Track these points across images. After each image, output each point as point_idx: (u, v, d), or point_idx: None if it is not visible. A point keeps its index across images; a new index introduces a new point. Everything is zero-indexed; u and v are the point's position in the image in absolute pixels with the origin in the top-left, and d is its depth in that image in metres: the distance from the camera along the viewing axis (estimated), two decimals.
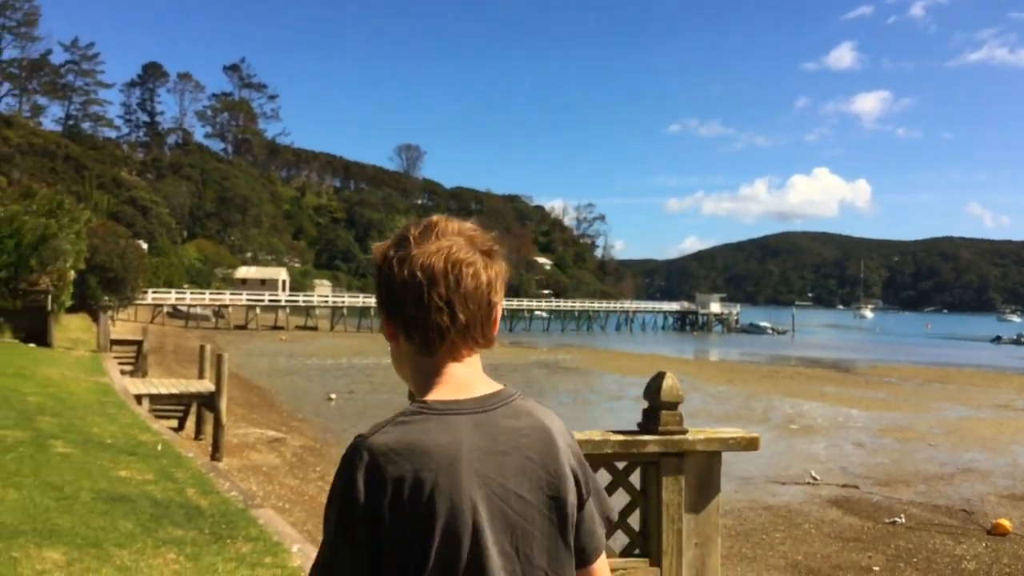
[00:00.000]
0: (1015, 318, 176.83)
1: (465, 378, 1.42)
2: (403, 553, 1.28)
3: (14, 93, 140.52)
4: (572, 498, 1.38)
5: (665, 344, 73.56)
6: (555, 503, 1.37)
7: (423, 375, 1.44)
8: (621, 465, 4.00)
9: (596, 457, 3.41)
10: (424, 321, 1.39)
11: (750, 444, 4.39)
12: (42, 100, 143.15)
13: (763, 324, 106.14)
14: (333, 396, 28.26)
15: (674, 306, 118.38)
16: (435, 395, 1.39)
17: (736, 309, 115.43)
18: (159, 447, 10.46)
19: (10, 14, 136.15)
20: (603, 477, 3.14)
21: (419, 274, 1.39)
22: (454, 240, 1.43)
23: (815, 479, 17.46)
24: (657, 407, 3.73)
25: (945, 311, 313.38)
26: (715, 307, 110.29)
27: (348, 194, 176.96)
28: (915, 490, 17.03)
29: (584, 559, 1.43)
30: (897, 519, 14.16)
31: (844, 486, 16.98)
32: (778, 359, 57.55)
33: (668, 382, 3.78)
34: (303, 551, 6.67)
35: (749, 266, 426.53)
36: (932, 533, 13.43)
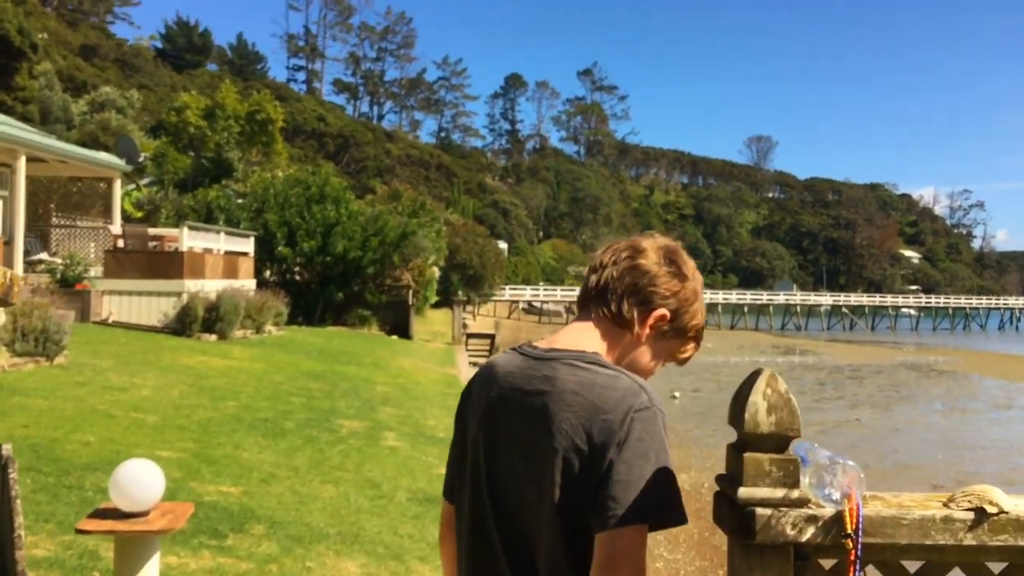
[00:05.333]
0: None
1: (564, 334, 1.63)
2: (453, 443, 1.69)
3: (395, 110, 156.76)
4: (550, 459, 1.43)
5: None
6: (529, 453, 1.47)
7: None
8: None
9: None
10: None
11: None
12: (419, 115, 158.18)
13: None
14: (677, 394, 27.36)
15: None
16: (535, 341, 1.64)
17: None
18: None
19: (391, 38, 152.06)
20: None
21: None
22: (627, 240, 1.75)
23: None
24: None
25: None
26: None
27: (696, 190, 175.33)
28: None
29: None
30: None
31: None
32: None
33: None
34: None
35: None
36: None
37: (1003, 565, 1.55)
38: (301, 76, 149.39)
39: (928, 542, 1.50)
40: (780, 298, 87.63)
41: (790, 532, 1.49)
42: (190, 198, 30.59)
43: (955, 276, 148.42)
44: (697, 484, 14.63)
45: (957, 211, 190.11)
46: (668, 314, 1.59)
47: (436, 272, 38.79)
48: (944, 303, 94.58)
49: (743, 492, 1.51)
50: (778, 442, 1.53)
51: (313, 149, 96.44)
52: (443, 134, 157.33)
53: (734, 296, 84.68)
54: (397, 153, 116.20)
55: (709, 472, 15.62)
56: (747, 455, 1.53)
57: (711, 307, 79.16)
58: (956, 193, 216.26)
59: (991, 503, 1.52)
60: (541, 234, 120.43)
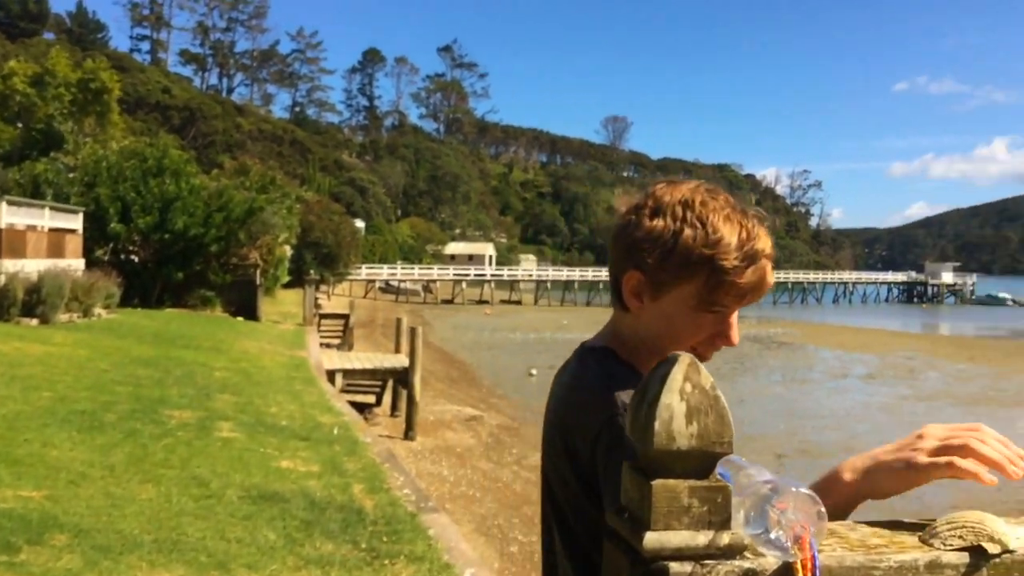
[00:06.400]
0: None
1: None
2: None
3: (246, 83, 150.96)
4: (554, 458, 1.41)
5: (890, 317, 68.00)
6: (550, 449, 1.44)
7: None
8: None
9: None
10: None
11: None
12: (271, 88, 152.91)
13: (1003, 295, 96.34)
14: (534, 372, 27.28)
15: (899, 276, 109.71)
16: None
17: (972, 279, 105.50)
18: (336, 431, 9.54)
19: (242, 7, 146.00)
20: None
21: None
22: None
23: None
24: None
25: None
26: (947, 277, 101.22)
27: (554, 168, 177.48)
28: None
29: None
30: None
31: None
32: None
33: None
34: None
35: (984, 233, 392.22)
36: None
37: None
38: (145, 46, 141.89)
39: None
40: None
41: None
42: (15, 171, 28.19)
43: (794, 252, 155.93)
44: None
45: (796, 190, 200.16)
46: (644, 268, 1.36)
47: (288, 251, 37.37)
48: (784, 278, 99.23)
49: (651, 539, 0.98)
50: (701, 462, 1.01)
51: (157, 122, 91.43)
52: (298, 109, 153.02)
53: (590, 273, 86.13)
54: (248, 128, 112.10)
55: None
56: (657, 483, 1.00)
57: (567, 284, 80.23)
58: (796, 173, 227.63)
59: (991, 540, 1.05)
60: (399, 212, 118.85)
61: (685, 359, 1.02)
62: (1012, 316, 72.70)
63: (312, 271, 39.85)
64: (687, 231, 1.35)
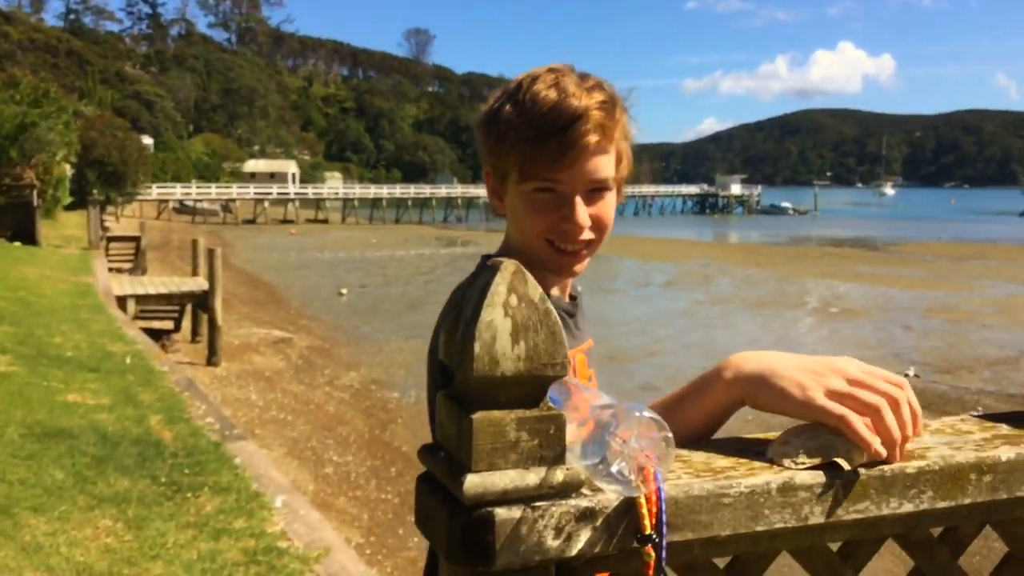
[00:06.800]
0: None
1: None
2: None
3: None
4: None
5: (685, 227, 71.58)
6: None
7: None
8: None
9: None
10: None
11: None
12: None
13: (784, 205, 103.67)
14: (344, 291, 26.79)
15: (693, 189, 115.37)
16: None
17: (758, 190, 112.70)
18: (128, 360, 8.91)
19: None
20: None
21: None
22: None
23: (909, 375, 15.22)
24: None
25: (967, 186, 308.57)
26: (735, 189, 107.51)
27: (357, 82, 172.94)
28: (981, 377, 15.47)
29: None
30: (974, 413, 12.55)
31: (904, 376, 15.31)
32: (803, 240, 55.62)
33: None
34: (289, 506, 5.12)
35: (767, 146, 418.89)
36: None
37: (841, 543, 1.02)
38: None
39: (760, 527, 0.92)
40: (442, 191, 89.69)
41: (552, 544, 0.83)
42: None
43: None
44: (367, 381, 14.24)
45: None
46: (488, 162, 1.36)
47: (68, 170, 34.45)
48: None
49: (472, 483, 0.81)
50: (531, 388, 0.84)
51: None
52: (72, 17, 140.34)
53: (398, 190, 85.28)
54: (17, 37, 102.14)
55: (380, 368, 15.30)
56: (478, 416, 0.82)
57: (375, 202, 79.04)
58: None
59: (843, 455, 0.96)
60: (192, 128, 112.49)
61: (509, 266, 0.84)
62: (793, 224, 78.36)
63: (96, 191, 36.99)
64: (504, 106, 1.31)
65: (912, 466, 0.96)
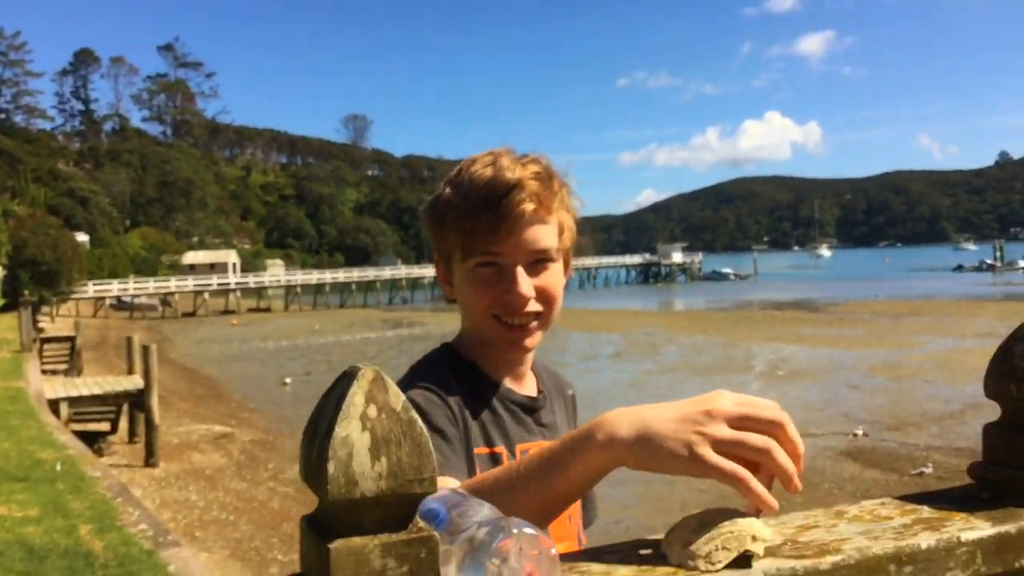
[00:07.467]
0: (971, 246, 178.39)
1: None
2: None
3: None
4: None
5: (630, 297, 72.36)
6: None
7: None
8: None
9: None
10: None
11: None
12: None
13: (725, 271, 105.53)
14: (288, 380, 26.34)
15: (636, 259, 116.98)
16: None
17: (699, 257, 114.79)
18: (58, 467, 8.55)
19: None
20: None
21: None
22: None
23: (858, 434, 15.41)
24: None
25: (900, 245, 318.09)
26: (677, 257, 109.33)
27: (295, 169, 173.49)
28: (928, 432, 15.65)
29: None
30: (924, 469, 12.64)
31: (854, 435, 15.45)
32: (746, 304, 56.49)
33: None
34: None
35: (704, 214, 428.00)
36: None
37: None
38: None
39: None
40: (386, 273, 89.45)
41: None
42: None
43: None
44: None
45: None
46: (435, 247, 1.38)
47: None
48: None
49: None
50: (396, 509, 0.76)
51: None
52: (3, 116, 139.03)
53: (341, 274, 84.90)
54: None
55: None
56: (336, 545, 0.73)
57: (318, 287, 78.50)
58: None
59: (754, 539, 0.88)
60: (128, 222, 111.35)
61: (367, 373, 0.76)
62: (735, 289, 79.74)
63: (28, 292, 36.18)
64: (445, 190, 1.34)
65: (826, 562, 0.89)
